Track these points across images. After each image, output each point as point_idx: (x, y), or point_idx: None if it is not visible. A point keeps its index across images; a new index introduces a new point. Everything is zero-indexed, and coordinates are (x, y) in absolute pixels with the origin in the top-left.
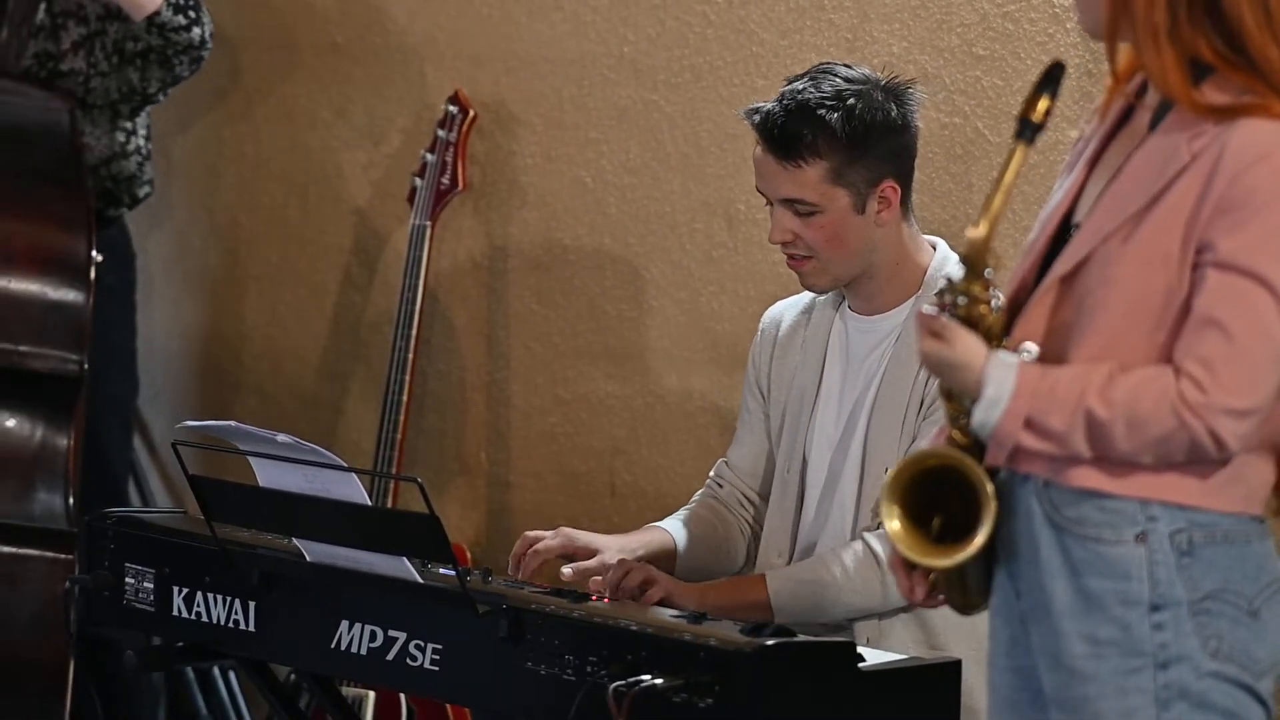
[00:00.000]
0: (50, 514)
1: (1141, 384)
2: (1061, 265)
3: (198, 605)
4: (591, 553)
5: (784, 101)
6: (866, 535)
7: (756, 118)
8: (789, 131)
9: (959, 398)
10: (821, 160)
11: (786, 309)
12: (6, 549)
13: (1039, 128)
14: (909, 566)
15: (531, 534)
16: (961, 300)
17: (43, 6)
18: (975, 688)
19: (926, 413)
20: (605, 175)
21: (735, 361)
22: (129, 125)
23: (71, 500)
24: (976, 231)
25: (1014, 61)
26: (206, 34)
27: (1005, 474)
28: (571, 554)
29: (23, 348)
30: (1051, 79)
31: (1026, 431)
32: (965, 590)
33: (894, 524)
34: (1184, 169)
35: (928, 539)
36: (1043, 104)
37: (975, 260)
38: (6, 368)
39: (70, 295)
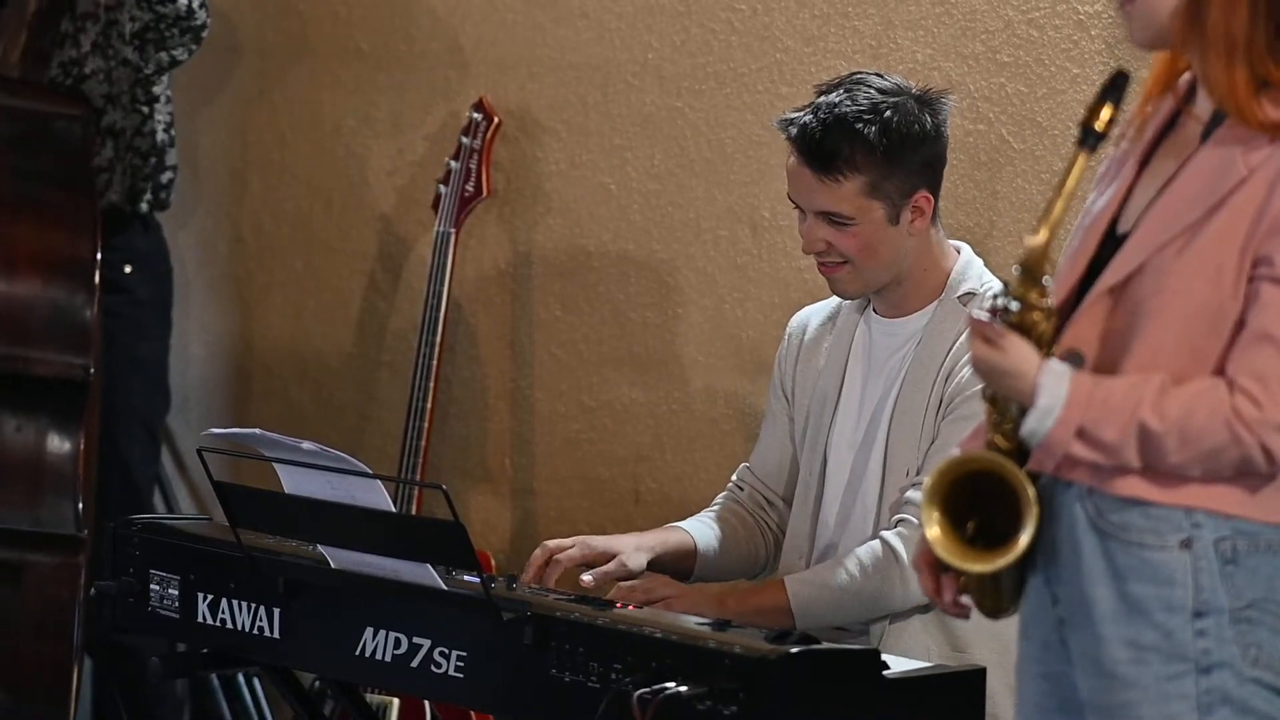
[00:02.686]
0: (58, 519)
1: (1195, 397)
2: (1111, 275)
3: (222, 612)
4: (610, 556)
5: (820, 114)
6: (885, 534)
7: (793, 130)
8: (827, 146)
9: (1003, 403)
10: (859, 174)
11: (813, 314)
12: (11, 554)
13: (1102, 136)
14: (938, 570)
15: (551, 543)
16: (1015, 306)
17: (66, 16)
18: (998, 691)
19: (945, 412)
20: (630, 182)
21: (760, 368)
22: (145, 110)
23: (81, 505)
24: (1037, 238)
25: (1038, 68)
26: (195, 4)
27: (1047, 479)
28: (591, 561)
29: (30, 353)
30: (1115, 87)
31: (1078, 441)
32: (998, 595)
33: (933, 528)
34: (1241, 182)
35: (964, 543)
36: (1106, 112)
37: (1034, 266)
38: (12, 373)
39: (76, 299)
